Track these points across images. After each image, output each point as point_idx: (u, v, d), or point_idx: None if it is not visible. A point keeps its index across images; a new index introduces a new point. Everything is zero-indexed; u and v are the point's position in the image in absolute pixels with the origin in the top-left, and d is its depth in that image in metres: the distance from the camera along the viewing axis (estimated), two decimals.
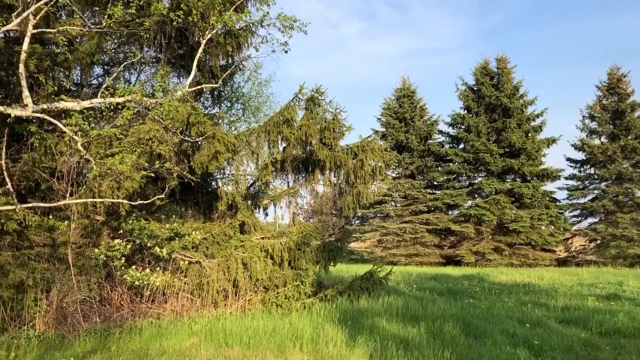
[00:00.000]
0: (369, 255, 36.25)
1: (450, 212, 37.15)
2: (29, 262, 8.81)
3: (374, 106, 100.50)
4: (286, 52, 10.90)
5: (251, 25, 11.48)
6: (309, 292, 10.73)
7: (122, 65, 10.84)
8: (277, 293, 10.51)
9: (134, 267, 9.53)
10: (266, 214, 13.10)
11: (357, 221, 40.79)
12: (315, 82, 39.76)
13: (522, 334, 8.68)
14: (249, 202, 12.51)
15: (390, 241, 35.62)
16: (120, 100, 8.83)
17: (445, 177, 37.04)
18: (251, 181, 12.92)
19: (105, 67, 12.55)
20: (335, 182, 12.65)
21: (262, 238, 11.43)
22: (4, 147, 9.30)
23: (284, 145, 12.22)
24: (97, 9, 9.89)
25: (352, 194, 12.30)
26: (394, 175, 37.73)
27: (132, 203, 9.13)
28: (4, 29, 7.52)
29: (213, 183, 12.90)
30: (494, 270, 26.08)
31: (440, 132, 38.80)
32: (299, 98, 11.95)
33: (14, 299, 8.29)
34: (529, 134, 34.92)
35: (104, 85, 8.88)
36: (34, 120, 8.63)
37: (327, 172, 12.38)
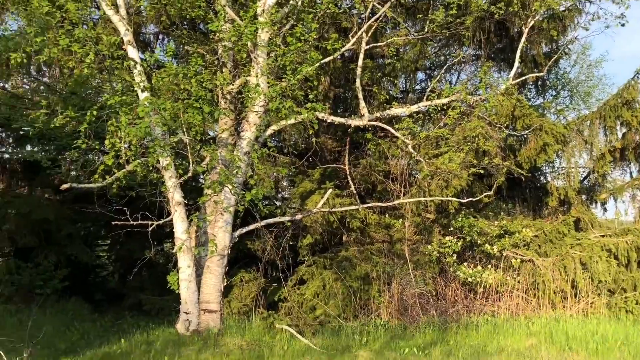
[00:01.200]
0: None
1: None
2: (371, 256, 9.80)
3: None
4: (622, 25, 9.77)
5: (577, 3, 10.58)
6: None
7: (444, 68, 11.17)
8: (626, 297, 9.34)
9: (465, 263, 9.70)
10: (604, 209, 11.97)
11: None
12: None
13: None
14: (583, 196, 11.57)
15: None
16: (445, 101, 9.13)
17: None
18: (584, 173, 11.97)
19: (427, 71, 13.18)
20: None
21: (602, 236, 10.34)
22: (346, 155, 10.57)
23: (624, 130, 11.06)
24: (419, 16, 10.42)
25: None
26: None
27: (460, 201, 9.41)
28: (343, 49, 8.52)
29: (541, 177, 12.32)
30: None
31: None
32: None
33: (361, 290, 9.27)
34: None
35: (429, 89, 9.28)
36: (369, 129, 9.55)
37: None
